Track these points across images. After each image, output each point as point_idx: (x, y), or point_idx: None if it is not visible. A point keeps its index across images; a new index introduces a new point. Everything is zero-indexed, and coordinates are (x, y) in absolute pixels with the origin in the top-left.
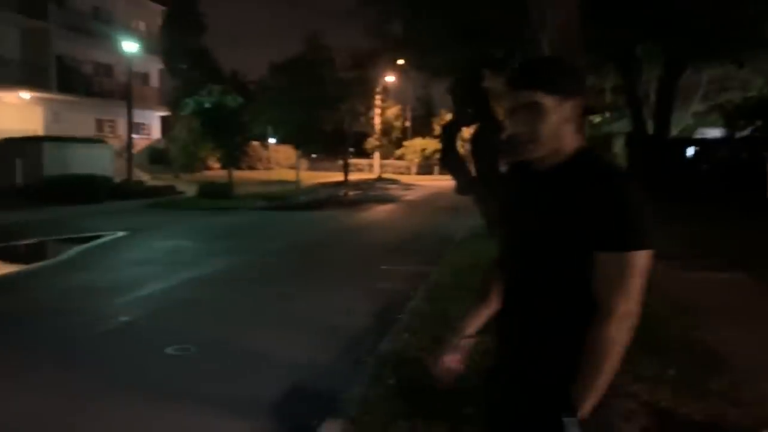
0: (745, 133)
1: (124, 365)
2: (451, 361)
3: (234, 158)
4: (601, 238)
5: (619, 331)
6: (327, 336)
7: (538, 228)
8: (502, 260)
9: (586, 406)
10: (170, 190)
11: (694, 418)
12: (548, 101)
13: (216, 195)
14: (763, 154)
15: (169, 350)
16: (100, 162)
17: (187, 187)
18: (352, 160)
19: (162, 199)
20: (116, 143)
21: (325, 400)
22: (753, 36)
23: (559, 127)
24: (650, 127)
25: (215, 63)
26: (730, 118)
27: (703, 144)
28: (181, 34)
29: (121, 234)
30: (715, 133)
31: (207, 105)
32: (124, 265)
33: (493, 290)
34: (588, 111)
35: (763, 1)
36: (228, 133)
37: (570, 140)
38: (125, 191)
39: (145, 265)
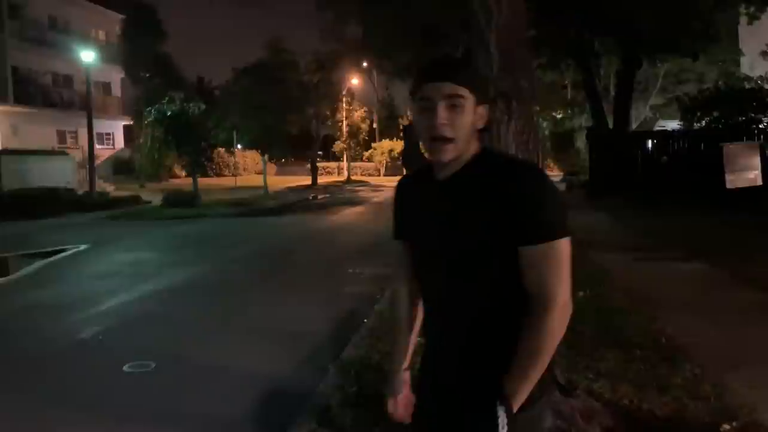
0: (702, 124)
1: (83, 382)
2: (404, 398)
3: (199, 165)
4: (523, 233)
5: (562, 320)
6: (293, 344)
7: (455, 235)
8: (419, 272)
9: (520, 398)
10: (135, 200)
11: (656, 413)
12: (471, 99)
13: (181, 203)
14: (719, 144)
15: (127, 367)
16: (62, 174)
17: (153, 196)
18: (321, 164)
19: (126, 209)
20: (79, 154)
21: (289, 411)
22: (706, 28)
23: (472, 129)
24: (611, 121)
25: (178, 70)
26: (687, 110)
27: (662, 136)
28: (141, 42)
29: (83, 247)
30: (674, 125)
31: (168, 113)
32: (85, 280)
33: (413, 311)
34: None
35: None
36: (191, 140)
37: (473, 146)
38: (88, 203)
39: (106, 279)
